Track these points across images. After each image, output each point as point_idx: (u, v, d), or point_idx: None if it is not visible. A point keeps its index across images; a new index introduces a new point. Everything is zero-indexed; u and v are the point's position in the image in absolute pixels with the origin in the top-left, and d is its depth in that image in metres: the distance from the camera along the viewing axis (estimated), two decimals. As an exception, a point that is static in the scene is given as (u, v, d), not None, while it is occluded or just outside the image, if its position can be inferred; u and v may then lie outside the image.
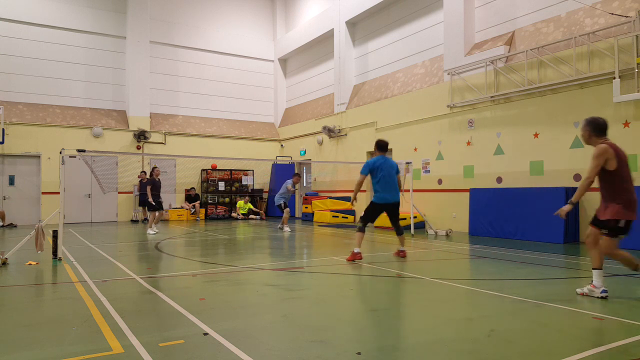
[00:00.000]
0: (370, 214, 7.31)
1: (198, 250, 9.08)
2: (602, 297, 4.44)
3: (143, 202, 16.55)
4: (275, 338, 3.52)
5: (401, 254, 7.38)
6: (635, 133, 8.67)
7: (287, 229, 12.68)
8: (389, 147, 14.69)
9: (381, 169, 7.15)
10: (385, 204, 7.23)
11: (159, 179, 12.46)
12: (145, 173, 16.81)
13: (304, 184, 19.76)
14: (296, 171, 15.06)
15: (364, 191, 15.46)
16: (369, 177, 7.33)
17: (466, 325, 3.76)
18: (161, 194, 12.50)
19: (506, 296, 4.68)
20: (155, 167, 12.76)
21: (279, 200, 12.89)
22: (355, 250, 7.08)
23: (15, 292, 5.18)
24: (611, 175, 4.43)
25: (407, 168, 12.04)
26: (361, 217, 7.40)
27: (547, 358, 3.00)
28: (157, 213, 12.17)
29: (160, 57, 18.82)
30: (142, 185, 16.53)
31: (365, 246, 9.43)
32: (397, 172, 7.40)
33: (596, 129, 4.60)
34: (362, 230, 7.24)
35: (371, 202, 7.32)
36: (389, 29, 15.42)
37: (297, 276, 6.05)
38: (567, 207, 4.59)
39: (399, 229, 7.42)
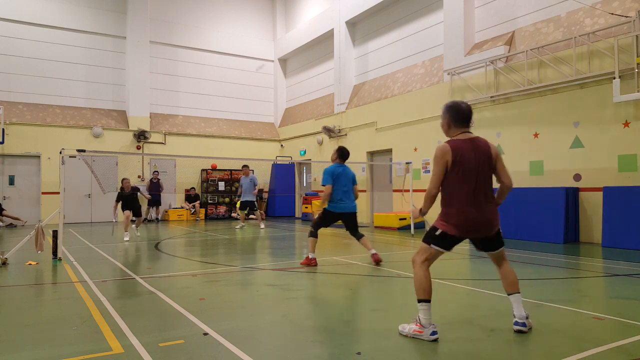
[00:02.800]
0: (325, 221, 7.04)
1: (198, 250, 9.08)
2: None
3: (153, 202, 16.67)
4: (275, 338, 3.52)
5: (375, 257, 6.97)
6: (635, 133, 8.67)
7: (262, 225, 13.63)
8: (387, 147, 14.69)
9: (341, 177, 6.96)
10: (342, 213, 6.97)
11: (130, 191, 11.23)
12: (157, 173, 16.88)
13: (304, 184, 19.77)
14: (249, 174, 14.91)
15: (364, 191, 15.45)
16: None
17: (466, 325, 3.76)
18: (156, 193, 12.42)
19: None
20: (124, 179, 11.44)
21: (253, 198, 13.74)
22: (310, 256, 6.84)
23: (15, 292, 5.18)
24: (447, 179, 3.49)
25: (407, 168, 12.04)
26: (313, 224, 7.05)
27: (547, 358, 3.00)
28: (130, 214, 11.09)
29: (160, 57, 18.82)
30: (152, 185, 16.59)
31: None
32: (354, 182, 7.16)
33: (457, 116, 3.67)
34: (314, 235, 6.96)
35: (325, 210, 6.97)
36: (389, 29, 15.42)
37: (297, 276, 6.05)
38: (416, 212, 3.88)
39: (358, 234, 7.11)
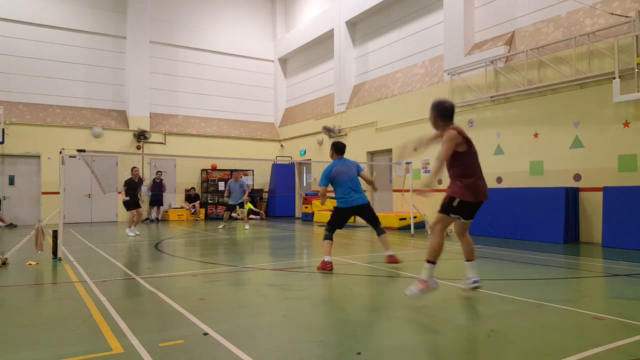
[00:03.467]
0: (338, 220, 6.66)
1: (198, 250, 9.08)
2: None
3: (155, 202, 16.69)
4: (275, 338, 3.52)
5: (390, 260, 6.69)
6: (635, 133, 8.67)
7: (247, 226, 13.82)
8: (387, 147, 14.67)
9: (341, 173, 6.59)
10: (354, 207, 6.59)
11: (138, 179, 12.31)
12: (160, 172, 16.89)
13: (304, 184, 19.77)
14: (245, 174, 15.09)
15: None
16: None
17: (466, 325, 3.76)
18: (159, 193, 12.57)
19: (506, 296, 4.68)
20: (134, 168, 12.47)
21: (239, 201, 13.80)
22: (326, 260, 6.39)
23: (15, 292, 5.18)
24: (459, 158, 4.34)
25: (407, 168, 12.03)
26: (328, 225, 6.66)
27: (547, 358, 3.00)
28: (135, 212, 11.78)
29: (160, 57, 18.82)
30: (155, 185, 16.60)
31: (365, 246, 9.43)
32: (360, 170, 6.75)
33: (441, 113, 4.45)
34: (329, 238, 6.53)
35: (336, 208, 6.66)
36: (389, 29, 15.42)
37: (297, 276, 6.05)
38: (427, 190, 4.36)
39: (380, 229, 6.80)
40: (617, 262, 6.86)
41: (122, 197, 11.84)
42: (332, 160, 6.88)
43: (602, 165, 9.14)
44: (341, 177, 6.60)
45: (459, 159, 4.33)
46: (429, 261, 4.22)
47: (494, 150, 11.26)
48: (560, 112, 9.89)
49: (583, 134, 9.48)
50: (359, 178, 6.76)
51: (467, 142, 4.35)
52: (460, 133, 4.32)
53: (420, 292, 4.18)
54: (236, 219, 18.12)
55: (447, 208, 4.36)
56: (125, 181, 11.93)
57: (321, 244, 6.86)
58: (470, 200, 4.31)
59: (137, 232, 11.90)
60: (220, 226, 14.09)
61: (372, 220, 6.80)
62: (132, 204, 11.79)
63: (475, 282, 4.54)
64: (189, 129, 19.05)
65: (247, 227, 13.65)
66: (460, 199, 4.28)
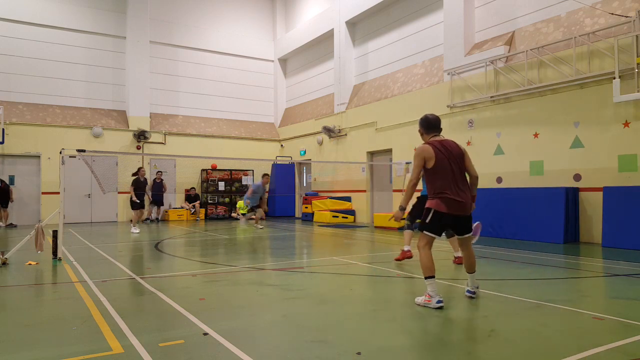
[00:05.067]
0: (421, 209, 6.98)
1: (198, 250, 9.08)
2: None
3: (155, 201, 16.67)
4: (275, 338, 3.52)
5: (457, 261, 6.72)
6: (635, 133, 8.67)
7: (259, 226, 13.45)
8: (387, 147, 14.68)
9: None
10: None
11: (144, 179, 12.86)
12: (161, 173, 16.89)
13: (304, 184, 19.77)
14: (266, 173, 14.74)
15: (363, 191, 15.45)
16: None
17: (466, 325, 3.76)
18: (149, 193, 12.79)
19: (506, 296, 4.68)
20: (140, 168, 13.10)
21: (251, 203, 13.63)
22: (406, 248, 6.93)
23: (15, 292, 5.18)
24: (429, 173, 4.38)
25: (407, 168, 12.03)
26: (409, 215, 6.98)
27: (547, 358, 3.00)
28: (140, 212, 12.55)
29: (160, 57, 18.82)
30: (155, 185, 16.59)
31: (365, 246, 9.43)
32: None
33: (422, 123, 4.60)
34: (410, 228, 7.04)
35: (419, 198, 6.91)
36: (388, 29, 15.42)
37: (297, 276, 6.05)
38: (398, 213, 4.52)
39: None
40: (617, 262, 6.86)
41: (131, 196, 12.40)
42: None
43: (602, 165, 9.14)
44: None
45: (431, 174, 4.36)
46: (426, 277, 4.28)
47: (494, 150, 11.26)
48: (560, 112, 9.89)
49: (583, 134, 9.48)
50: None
51: (440, 155, 4.31)
52: (435, 147, 4.34)
53: (422, 304, 4.28)
54: (236, 219, 18.12)
55: (422, 224, 4.41)
56: (133, 181, 12.48)
57: (321, 244, 6.92)
58: (444, 212, 4.28)
59: (137, 230, 12.17)
60: (260, 227, 13.72)
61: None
62: (138, 203, 12.35)
63: (468, 291, 4.61)
64: (189, 129, 19.05)
65: (260, 227, 13.58)
66: (434, 209, 4.30)
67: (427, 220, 4.34)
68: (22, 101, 16.30)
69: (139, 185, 12.59)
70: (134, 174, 13.47)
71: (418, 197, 6.99)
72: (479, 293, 4.73)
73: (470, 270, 4.59)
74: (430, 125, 4.56)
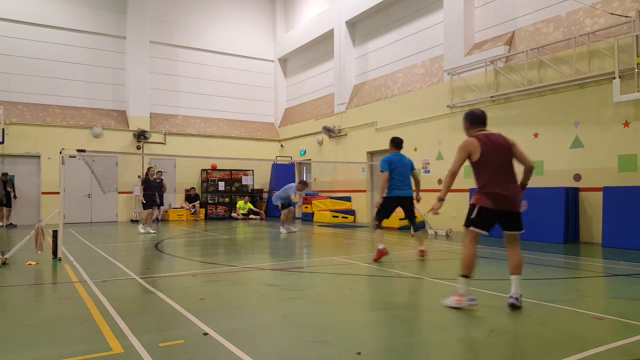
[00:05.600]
0: (386, 210, 7.32)
1: (198, 250, 9.08)
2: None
3: (154, 202, 16.58)
4: (275, 338, 3.52)
5: (421, 254, 7.32)
6: (635, 133, 8.67)
7: (282, 230, 11.98)
8: (387, 147, 14.72)
9: (398, 164, 7.21)
10: (401, 197, 7.21)
11: (153, 179, 12.67)
12: (161, 172, 16.84)
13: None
14: (303, 179, 13.50)
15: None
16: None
17: (466, 325, 3.76)
18: (158, 193, 12.77)
19: (506, 296, 4.67)
20: (150, 168, 13.02)
21: (276, 200, 12.44)
22: (380, 247, 7.12)
23: (15, 292, 5.18)
24: (475, 167, 4.32)
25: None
26: (376, 216, 7.39)
27: (547, 358, 3.00)
28: (151, 211, 12.46)
29: (160, 57, 18.82)
30: (157, 186, 16.53)
31: (365, 246, 9.43)
32: (412, 169, 7.43)
33: (467, 118, 4.53)
34: (380, 227, 7.34)
35: (385, 198, 7.24)
36: (389, 29, 15.42)
37: (297, 276, 6.05)
38: (437, 204, 4.42)
39: (416, 225, 7.52)
40: (617, 262, 6.86)
41: (140, 196, 12.46)
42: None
43: (602, 165, 9.14)
44: (395, 170, 7.19)
45: (476, 168, 4.29)
46: (462, 275, 4.19)
47: (494, 150, 11.25)
48: (560, 112, 9.89)
49: (583, 134, 9.48)
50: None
51: (486, 149, 4.22)
52: (480, 140, 4.25)
53: (455, 304, 4.14)
54: (236, 218, 18.14)
55: (467, 220, 4.29)
56: (142, 181, 12.56)
57: (321, 244, 6.98)
58: (489, 207, 4.18)
59: (153, 231, 12.16)
60: (294, 229, 12.60)
61: (411, 216, 7.46)
62: (149, 202, 12.30)
63: (511, 298, 4.13)
64: (189, 129, 19.05)
65: (282, 230, 12.04)
66: (479, 205, 4.22)
67: (473, 216, 4.24)
68: (22, 101, 16.30)
69: (148, 184, 12.40)
70: (145, 174, 13.44)
71: (383, 198, 7.23)
72: (479, 293, 4.71)
73: (515, 271, 4.23)
74: (475, 119, 4.46)
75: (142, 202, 12.35)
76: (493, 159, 4.22)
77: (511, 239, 4.34)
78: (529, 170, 4.36)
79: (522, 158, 4.32)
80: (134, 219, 17.21)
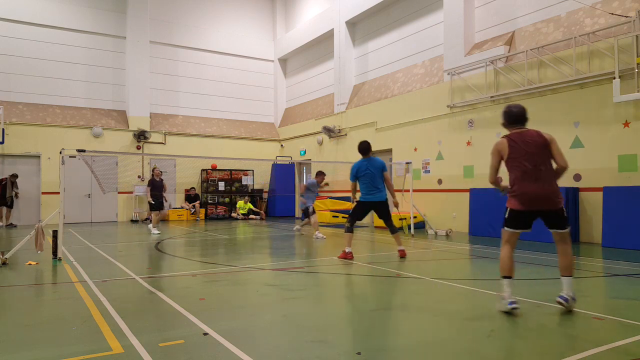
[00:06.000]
0: (358, 213, 7.52)
1: (198, 250, 9.08)
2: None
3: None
4: (275, 338, 3.52)
5: (400, 254, 7.34)
6: (635, 133, 8.67)
7: (320, 235, 10.94)
8: (387, 147, 14.66)
9: (366, 171, 7.31)
10: (373, 202, 7.32)
11: (160, 179, 12.71)
12: (161, 172, 16.81)
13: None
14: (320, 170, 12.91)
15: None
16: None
17: (466, 325, 3.76)
18: (163, 194, 12.83)
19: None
20: (155, 168, 13.09)
21: (303, 205, 11.85)
22: (347, 250, 7.24)
23: (15, 292, 5.18)
24: (507, 168, 4.33)
25: (407, 168, 12.04)
26: (348, 218, 7.59)
27: (547, 358, 3.00)
28: (158, 212, 12.49)
29: (160, 57, 18.82)
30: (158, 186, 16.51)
31: (365, 246, 9.43)
32: (384, 170, 7.38)
33: (504, 116, 4.44)
34: (350, 230, 7.41)
35: (357, 202, 7.53)
36: (388, 29, 15.42)
37: (297, 276, 6.05)
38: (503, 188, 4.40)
39: (392, 227, 7.47)
40: (617, 262, 6.86)
41: (148, 197, 12.54)
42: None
43: (602, 165, 9.14)
44: (363, 176, 7.39)
45: (507, 168, 4.31)
46: (502, 277, 4.16)
47: (494, 150, 11.25)
48: (560, 112, 9.89)
49: (583, 134, 9.48)
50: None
51: (515, 149, 4.20)
52: (510, 140, 4.25)
53: (502, 305, 4.04)
54: (236, 218, 18.13)
55: (503, 220, 4.31)
56: (149, 181, 12.68)
57: (321, 244, 6.99)
58: (517, 209, 4.17)
59: (158, 231, 12.18)
60: (302, 228, 12.80)
61: (386, 219, 7.43)
62: (156, 204, 12.41)
63: (561, 297, 4.03)
64: (189, 129, 19.05)
65: (321, 235, 10.98)
66: (509, 208, 4.24)
67: (505, 217, 4.27)
68: (22, 101, 16.30)
69: (154, 185, 12.52)
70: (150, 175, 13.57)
71: (357, 201, 7.45)
72: (478, 293, 4.71)
73: (564, 272, 4.11)
74: (512, 117, 4.36)
75: (150, 203, 12.45)
76: (523, 158, 4.16)
77: (556, 237, 4.26)
78: (560, 170, 4.25)
79: (556, 156, 4.23)
80: (134, 219, 17.21)
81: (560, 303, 4.02)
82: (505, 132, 4.45)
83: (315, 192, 12.02)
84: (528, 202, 4.13)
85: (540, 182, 4.12)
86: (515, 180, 4.20)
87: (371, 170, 7.29)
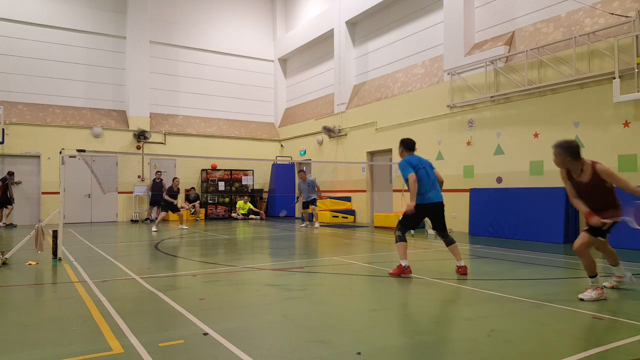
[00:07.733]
0: (411, 219, 6.05)
1: (198, 250, 9.08)
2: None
3: (155, 201, 16.56)
4: (275, 338, 3.52)
5: (460, 270, 5.91)
6: (635, 133, 8.67)
7: (317, 224, 13.94)
8: (387, 147, 14.67)
9: (421, 166, 6.05)
10: (431, 204, 6.00)
11: (177, 189, 13.89)
12: (160, 172, 16.82)
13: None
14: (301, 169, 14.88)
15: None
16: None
17: (466, 325, 3.76)
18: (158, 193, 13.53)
19: (506, 296, 4.68)
20: (175, 178, 14.02)
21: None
22: (403, 264, 5.84)
23: (15, 292, 5.18)
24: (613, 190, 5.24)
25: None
26: (399, 225, 6.09)
27: (547, 358, 3.00)
28: (166, 214, 13.63)
29: (160, 57, 18.82)
30: (154, 185, 16.50)
31: (365, 246, 9.44)
32: (432, 167, 6.24)
33: (572, 153, 4.92)
34: (403, 239, 5.95)
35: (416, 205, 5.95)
36: (389, 29, 15.42)
37: (297, 276, 6.05)
38: (594, 219, 5.12)
39: (449, 238, 6.06)
40: (624, 264, 6.84)
41: (167, 198, 13.60)
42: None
43: (602, 165, 9.13)
44: (420, 172, 6.03)
45: (611, 190, 5.32)
46: (590, 276, 4.73)
47: (494, 150, 11.26)
48: (560, 112, 9.89)
49: (583, 134, 9.48)
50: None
51: (571, 178, 5.11)
52: (568, 172, 5.11)
53: (598, 297, 4.50)
54: (236, 218, 18.13)
55: (595, 229, 5.06)
56: (168, 188, 13.90)
57: (321, 244, 6.89)
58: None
59: (156, 229, 12.76)
60: (302, 225, 14.41)
61: (441, 225, 6.15)
62: (168, 206, 13.48)
63: (620, 276, 5.04)
64: (189, 129, 19.05)
65: (317, 225, 13.97)
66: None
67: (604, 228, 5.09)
68: (22, 101, 16.30)
69: (172, 194, 13.69)
70: (172, 181, 14.36)
71: (416, 205, 5.98)
72: (479, 293, 4.71)
73: (615, 262, 5.19)
74: (577, 152, 5.00)
75: (161, 205, 13.48)
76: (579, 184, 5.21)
77: (603, 242, 5.32)
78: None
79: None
80: (134, 219, 17.21)
81: (620, 281, 5.08)
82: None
83: (314, 191, 13.32)
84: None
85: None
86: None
87: (424, 166, 6.07)
